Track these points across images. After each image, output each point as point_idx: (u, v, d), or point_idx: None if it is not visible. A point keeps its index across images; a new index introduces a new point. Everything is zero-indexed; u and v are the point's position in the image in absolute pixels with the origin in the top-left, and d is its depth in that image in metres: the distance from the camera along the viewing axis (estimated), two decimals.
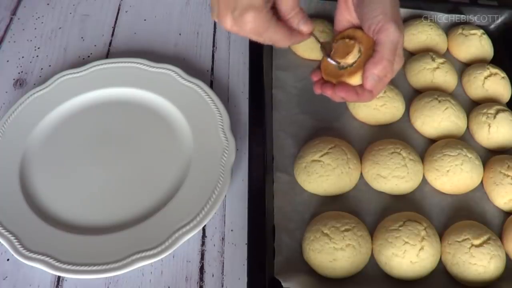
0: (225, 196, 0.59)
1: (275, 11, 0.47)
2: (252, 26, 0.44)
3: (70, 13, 0.80)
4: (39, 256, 0.52)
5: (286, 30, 0.48)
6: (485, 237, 0.53)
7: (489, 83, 0.68)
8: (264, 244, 0.51)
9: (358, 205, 0.58)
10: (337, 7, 0.54)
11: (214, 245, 0.57)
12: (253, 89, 0.64)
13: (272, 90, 0.66)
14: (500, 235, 0.56)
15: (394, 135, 0.63)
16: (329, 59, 0.51)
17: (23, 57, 0.73)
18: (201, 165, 0.59)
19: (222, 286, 0.54)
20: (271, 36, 0.47)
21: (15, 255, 0.52)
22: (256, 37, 0.47)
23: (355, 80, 0.49)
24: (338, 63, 0.51)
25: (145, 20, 0.79)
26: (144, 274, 0.54)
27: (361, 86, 0.50)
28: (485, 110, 0.65)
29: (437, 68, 0.68)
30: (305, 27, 0.49)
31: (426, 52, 0.71)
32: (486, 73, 0.69)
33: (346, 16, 0.54)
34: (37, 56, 0.74)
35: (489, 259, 0.52)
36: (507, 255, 0.55)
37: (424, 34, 0.73)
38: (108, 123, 0.65)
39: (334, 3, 0.74)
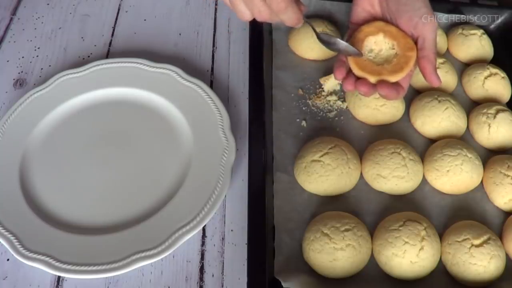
0: (225, 196, 0.59)
1: None
2: None
3: (70, 13, 0.80)
4: (39, 256, 0.52)
5: None
6: (485, 237, 0.53)
7: (489, 83, 0.68)
8: (264, 244, 0.51)
9: (358, 205, 0.58)
10: None
11: (214, 245, 0.57)
12: (253, 89, 0.64)
13: (272, 90, 0.66)
14: (500, 235, 0.56)
15: (394, 135, 0.63)
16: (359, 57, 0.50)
17: (23, 57, 0.73)
18: (201, 165, 0.59)
19: (222, 286, 0.54)
20: None
21: (15, 255, 0.52)
22: None
23: (396, 77, 0.49)
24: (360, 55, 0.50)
25: (145, 20, 0.79)
26: (144, 274, 0.54)
27: (398, 83, 0.49)
28: (485, 110, 0.65)
29: (437, 68, 0.68)
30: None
31: None
32: (486, 73, 0.69)
33: (365, 6, 0.52)
34: (37, 56, 0.74)
35: (489, 259, 0.52)
36: (507, 255, 0.55)
37: None
38: (108, 123, 0.65)
39: (334, 3, 0.75)
